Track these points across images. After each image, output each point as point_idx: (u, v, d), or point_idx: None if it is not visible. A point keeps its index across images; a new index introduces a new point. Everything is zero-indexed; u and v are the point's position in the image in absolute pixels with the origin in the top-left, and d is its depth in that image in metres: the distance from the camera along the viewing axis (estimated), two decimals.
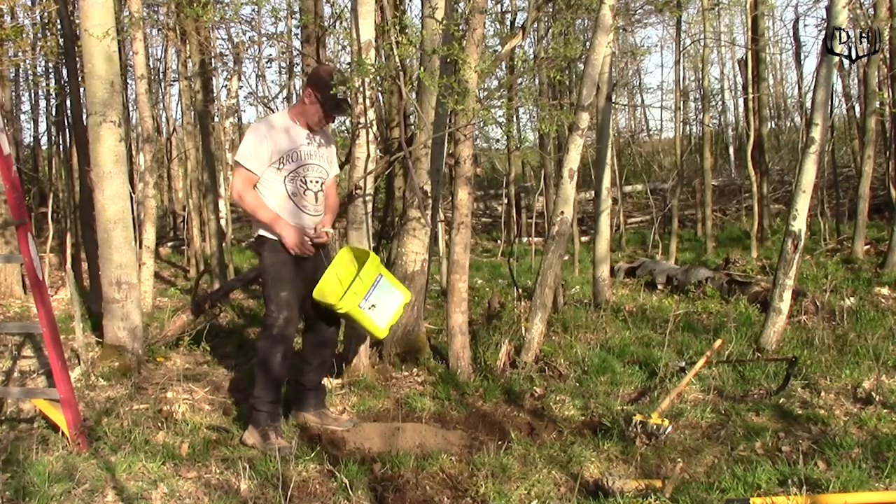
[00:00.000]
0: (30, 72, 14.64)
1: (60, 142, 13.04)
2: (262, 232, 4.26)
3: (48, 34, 11.35)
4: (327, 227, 4.41)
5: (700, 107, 17.83)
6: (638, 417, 4.12)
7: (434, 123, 5.54)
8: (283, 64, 14.93)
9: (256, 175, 4.19)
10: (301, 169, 4.26)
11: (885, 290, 7.87)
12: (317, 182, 4.34)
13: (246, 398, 4.52)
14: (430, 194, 5.61)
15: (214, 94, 12.60)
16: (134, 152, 11.02)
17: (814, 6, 26.86)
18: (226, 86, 14.17)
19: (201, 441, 4.12)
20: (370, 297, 4.24)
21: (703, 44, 12.74)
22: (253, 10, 9.05)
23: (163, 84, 16.01)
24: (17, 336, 5.63)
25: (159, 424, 4.33)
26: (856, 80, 14.54)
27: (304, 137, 4.30)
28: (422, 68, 5.30)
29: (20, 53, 11.64)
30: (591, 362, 5.47)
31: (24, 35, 10.22)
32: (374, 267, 4.30)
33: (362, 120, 5.14)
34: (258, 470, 3.68)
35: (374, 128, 5.33)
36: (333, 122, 4.53)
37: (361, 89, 5.09)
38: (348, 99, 4.36)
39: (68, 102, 9.36)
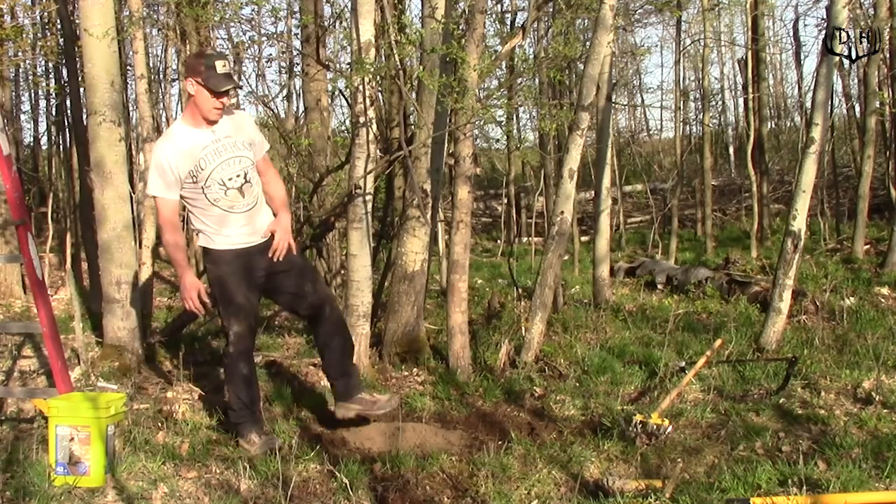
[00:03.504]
0: (30, 72, 14.64)
1: (60, 142, 13.04)
2: (201, 243, 4.15)
3: (48, 34, 11.35)
4: (278, 229, 4.10)
5: (700, 107, 17.82)
6: (638, 417, 4.12)
7: (434, 123, 5.54)
8: (283, 64, 14.92)
9: (175, 201, 4.00)
10: (215, 172, 3.97)
11: (885, 290, 7.87)
12: (238, 176, 4.03)
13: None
14: (429, 194, 5.61)
15: None
16: (134, 152, 11.01)
17: (814, 6, 26.83)
18: None
19: (201, 441, 4.12)
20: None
21: (703, 44, 12.73)
22: (253, 10, 9.03)
23: (163, 84, 16.01)
24: (18, 336, 5.63)
25: (159, 424, 4.32)
26: (856, 80, 14.55)
27: (204, 138, 3.99)
28: (421, 67, 5.30)
29: (20, 53, 11.63)
30: (591, 362, 5.47)
31: (24, 35, 10.22)
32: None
33: (362, 119, 5.14)
34: (258, 470, 3.68)
35: (374, 127, 5.33)
36: (229, 98, 4.07)
37: (361, 88, 5.09)
38: (231, 73, 3.98)
39: (68, 102, 9.35)
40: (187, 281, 3.99)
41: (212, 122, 4.00)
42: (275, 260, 4.09)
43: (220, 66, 3.91)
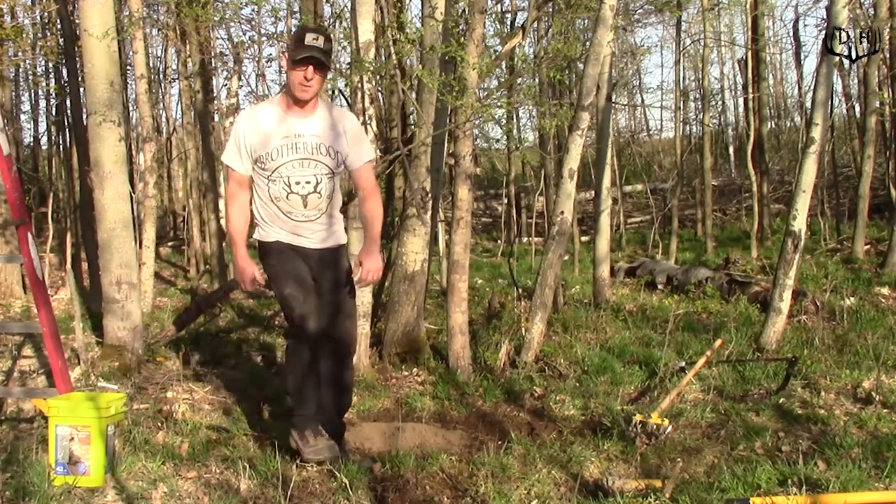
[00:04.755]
0: (30, 72, 14.65)
1: (60, 142, 13.05)
2: (256, 236, 3.89)
3: (48, 34, 11.36)
4: (368, 259, 3.74)
5: (700, 107, 17.83)
6: (638, 417, 4.11)
7: (434, 122, 5.54)
8: (283, 64, 14.93)
9: (243, 174, 3.74)
10: (283, 168, 3.68)
11: (885, 290, 7.87)
12: (308, 183, 3.71)
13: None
14: (429, 193, 5.61)
15: (214, 94, 12.61)
16: (134, 152, 11.02)
17: (814, 6, 26.87)
18: (226, 85, 14.18)
19: (201, 441, 4.11)
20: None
21: (703, 44, 12.74)
22: (253, 10, 9.04)
23: (163, 84, 16.02)
24: (18, 336, 5.63)
25: (159, 424, 4.32)
26: (856, 80, 14.56)
27: (287, 127, 3.68)
28: (421, 67, 5.30)
29: (20, 53, 11.64)
30: (591, 362, 5.47)
31: (24, 35, 10.22)
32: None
33: (362, 118, 5.14)
34: (258, 470, 3.68)
35: (374, 126, 5.33)
36: (318, 75, 3.64)
37: (361, 87, 5.09)
38: (320, 46, 3.58)
39: (68, 102, 9.36)
40: (241, 263, 3.74)
41: (302, 105, 3.67)
42: (338, 279, 3.85)
43: (310, 39, 3.60)
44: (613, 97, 9.18)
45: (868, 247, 10.60)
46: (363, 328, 5.32)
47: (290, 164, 3.69)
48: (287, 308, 3.81)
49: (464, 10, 5.92)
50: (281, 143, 3.67)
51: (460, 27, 5.65)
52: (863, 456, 3.69)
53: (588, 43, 6.14)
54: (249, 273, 3.73)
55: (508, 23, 10.53)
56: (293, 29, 12.07)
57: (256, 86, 22.68)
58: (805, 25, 59.51)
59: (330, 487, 3.57)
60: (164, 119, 16.62)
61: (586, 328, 6.52)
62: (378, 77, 5.37)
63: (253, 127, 3.69)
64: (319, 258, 3.84)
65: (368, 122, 5.16)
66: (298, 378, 3.84)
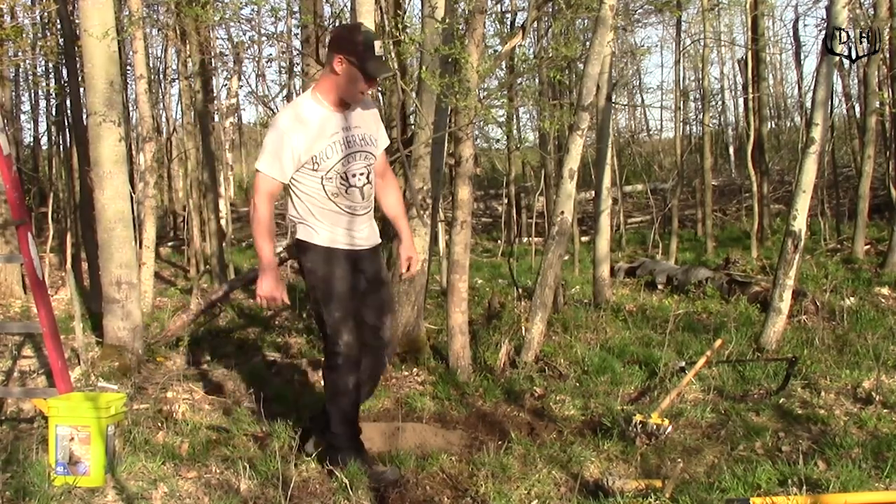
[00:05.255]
0: (30, 72, 14.65)
1: (60, 142, 13.05)
2: (301, 236, 3.66)
3: (48, 34, 11.36)
4: (407, 245, 3.83)
5: (700, 107, 17.83)
6: (638, 417, 4.11)
7: (434, 123, 5.54)
8: (283, 64, 14.92)
9: (280, 183, 3.58)
10: (340, 164, 3.59)
11: (885, 290, 7.87)
12: (363, 174, 3.65)
13: (318, 429, 3.91)
14: (430, 194, 5.61)
15: (214, 94, 12.62)
16: (134, 152, 11.02)
17: (814, 6, 26.85)
18: (226, 85, 14.20)
19: (201, 441, 4.12)
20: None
21: (703, 44, 12.73)
22: (252, 10, 9.04)
23: (163, 84, 16.02)
24: (17, 336, 5.63)
25: (159, 424, 4.32)
26: (856, 80, 14.55)
27: (335, 123, 3.60)
28: (423, 67, 5.30)
29: (20, 53, 11.64)
30: (591, 362, 5.47)
31: (24, 35, 10.22)
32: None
33: None
34: (258, 470, 3.68)
35: None
36: (374, 87, 3.80)
37: None
38: (386, 57, 3.61)
39: (68, 102, 9.36)
40: (272, 285, 3.55)
41: (346, 107, 3.62)
42: (381, 275, 3.81)
43: (378, 48, 3.52)
44: (613, 97, 9.18)
45: (868, 247, 10.59)
46: None
47: (346, 158, 3.61)
48: (334, 330, 3.63)
49: (464, 10, 5.92)
50: (332, 139, 3.58)
51: (460, 27, 5.64)
52: (863, 456, 3.70)
53: (588, 43, 6.14)
54: (278, 299, 3.59)
55: (508, 23, 10.53)
56: (293, 29, 12.10)
57: (256, 86, 22.71)
58: (805, 25, 59.54)
59: (330, 487, 3.57)
60: (164, 119, 16.61)
61: (586, 328, 6.52)
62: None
63: (300, 130, 3.54)
64: (369, 258, 3.78)
65: None
66: (349, 408, 3.72)
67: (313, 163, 3.55)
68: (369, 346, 3.78)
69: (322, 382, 5.17)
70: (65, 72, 9.91)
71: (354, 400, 3.72)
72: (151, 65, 14.78)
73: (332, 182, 3.60)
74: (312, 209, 3.63)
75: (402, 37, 5.43)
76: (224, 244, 10.54)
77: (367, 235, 3.77)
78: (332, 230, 3.65)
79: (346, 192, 3.63)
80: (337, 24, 9.00)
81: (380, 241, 3.90)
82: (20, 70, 14.72)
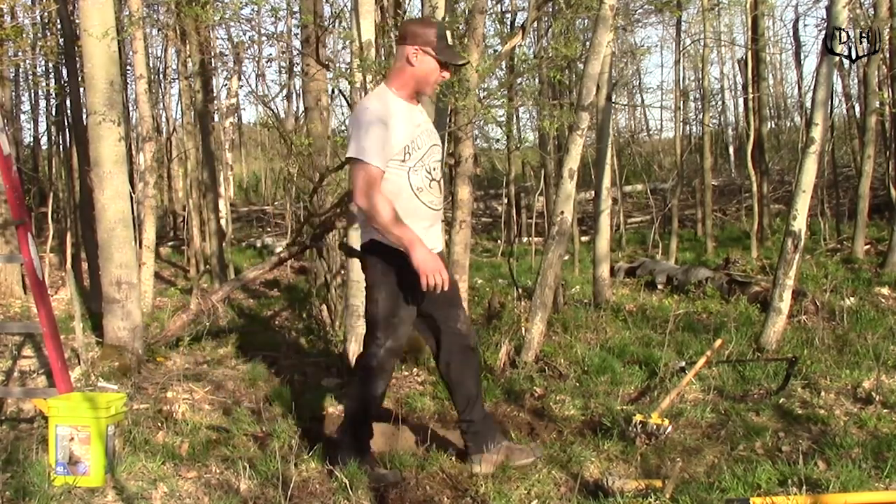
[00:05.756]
0: (30, 72, 14.66)
1: (60, 142, 13.06)
2: (377, 237, 3.52)
3: (48, 34, 11.37)
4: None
5: (700, 107, 17.84)
6: (638, 417, 4.11)
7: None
8: (283, 64, 14.93)
9: (383, 171, 3.44)
10: (426, 156, 3.55)
11: (885, 290, 7.86)
12: (437, 169, 3.63)
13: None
14: None
15: (214, 94, 12.62)
16: (134, 152, 11.03)
17: (814, 6, 26.89)
18: (226, 85, 14.20)
19: (201, 441, 4.12)
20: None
21: (703, 44, 12.74)
22: (253, 10, 9.05)
23: (163, 84, 16.03)
24: (17, 336, 5.63)
25: (159, 424, 4.32)
26: (856, 80, 14.56)
27: (417, 115, 3.60)
28: None
29: (20, 53, 11.65)
30: (591, 362, 5.47)
31: (24, 35, 10.23)
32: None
33: None
34: (258, 470, 3.68)
35: None
36: (449, 76, 3.79)
37: (363, 86, 5.08)
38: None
39: (68, 102, 9.37)
40: (430, 255, 3.40)
41: (418, 100, 3.63)
42: (452, 275, 3.69)
43: (449, 38, 3.58)
44: (613, 97, 9.18)
45: (868, 247, 10.59)
46: (363, 328, 5.32)
47: (429, 151, 3.59)
48: (384, 332, 3.58)
49: (464, 11, 5.92)
50: (417, 130, 3.56)
51: (460, 27, 5.65)
52: (863, 456, 3.69)
53: (588, 43, 6.14)
54: (445, 274, 3.41)
55: (508, 23, 10.54)
56: (293, 29, 12.10)
57: (256, 86, 22.71)
58: (805, 25, 59.56)
59: (330, 487, 3.57)
60: (164, 119, 16.63)
61: (586, 328, 6.52)
62: (381, 76, 5.36)
63: (391, 119, 3.48)
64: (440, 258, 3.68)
65: None
66: (368, 407, 3.71)
67: (404, 153, 3.49)
68: (455, 345, 3.75)
69: (322, 382, 5.19)
70: (65, 72, 9.92)
71: (373, 405, 3.70)
72: (151, 65, 14.79)
73: (418, 175, 3.53)
74: (399, 207, 3.48)
75: None
76: (224, 244, 10.54)
77: (439, 237, 3.72)
78: (414, 227, 3.52)
79: (429, 185, 3.57)
80: (337, 24, 9.00)
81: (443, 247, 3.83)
82: (20, 70, 14.75)
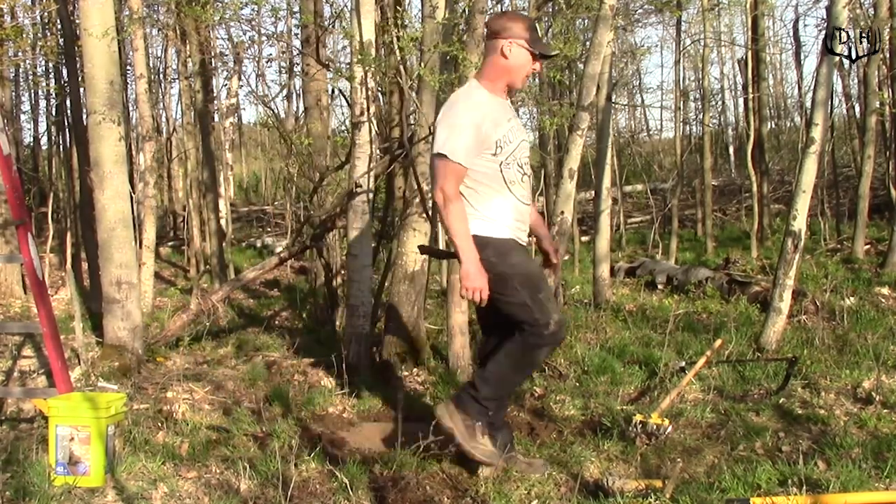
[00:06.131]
0: (30, 72, 14.67)
1: (60, 142, 13.06)
2: (479, 231, 3.47)
3: (48, 34, 11.38)
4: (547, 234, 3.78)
5: (700, 107, 17.84)
6: (638, 417, 4.11)
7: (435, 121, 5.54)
8: (283, 64, 14.93)
9: (465, 168, 3.42)
10: (517, 150, 3.54)
11: (885, 290, 7.86)
12: (528, 163, 3.62)
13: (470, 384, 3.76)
14: (430, 193, 5.61)
15: (214, 94, 12.62)
16: (134, 152, 11.03)
17: (814, 6, 26.89)
18: (226, 85, 14.20)
19: (201, 441, 4.12)
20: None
21: (703, 44, 12.73)
22: (253, 10, 9.04)
23: (163, 84, 16.03)
24: (17, 336, 5.63)
25: (159, 424, 4.32)
26: (856, 80, 14.56)
27: (507, 109, 3.59)
28: (423, 65, 5.29)
29: (20, 53, 11.66)
30: (591, 362, 5.47)
31: (24, 35, 10.23)
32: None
33: (363, 117, 5.14)
34: (258, 470, 3.68)
35: (374, 126, 5.33)
36: (541, 68, 3.79)
37: (363, 82, 5.08)
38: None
39: (68, 102, 9.37)
40: (480, 272, 3.37)
41: (508, 94, 3.64)
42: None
43: (539, 30, 3.67)
44: (613, 97, 9.18)
45: (868, 247, 10.59)
46: (363, 328, 5.32)
47: (520, 146, 3.58)
48: (542, 312, 3.50)
49: (464, 10, 5.92)
50: (510, 125, 3.54)
51: (460, 27, 5.65)
52: (863, 456, 3.69)
53: (588, 43, 6.14)
54: (486, 294, 3.40)
55: None
56: (293, 29, 12.11)
57: (256, 86, 22.70)
58: (805, 25, 59.56)
59: (330, 487, 3.57)
60: (164, 119, 16.63)
61: (586, 328, 6.52)
62: (379, 76, 5.37)
63: (482, 113, 3.47)
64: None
65: (370, 120, 5.16)
66: (520, 377, 3.72)
67: (496, 147, 3.48)
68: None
69: (322, 382, 5.19)
70: (65, 72, 9.92)
71: (528, 371, 3.73)
72: (151, 65, 14.79)
73: (511, 169, 3.52)
74: (489, 200, 3.49)
75: (403, 34, 5.43)
76: (224, 244, 10.54)
77: (526, 231, 3.70)
78: (507, 223, 3.54)
79: (521, 179, 3.57)
80: (337, 24, 9.00)
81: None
82: (20, 70, 14.75)
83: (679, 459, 3.70)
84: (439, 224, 6.75)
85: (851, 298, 7.20)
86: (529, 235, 3.77)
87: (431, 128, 5.50)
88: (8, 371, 5.28)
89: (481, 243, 3.45)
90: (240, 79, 13.11)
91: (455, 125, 3.43)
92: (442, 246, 8.98)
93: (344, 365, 5.29)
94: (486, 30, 3.60)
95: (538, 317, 3.48)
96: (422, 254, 4.11)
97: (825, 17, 9.92)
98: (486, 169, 3.47)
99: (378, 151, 5.64)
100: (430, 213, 5.62)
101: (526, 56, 3.53)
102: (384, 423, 4.49)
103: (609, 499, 3.34)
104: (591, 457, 3.87)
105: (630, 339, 6.24)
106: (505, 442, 3.71)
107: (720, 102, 21.16)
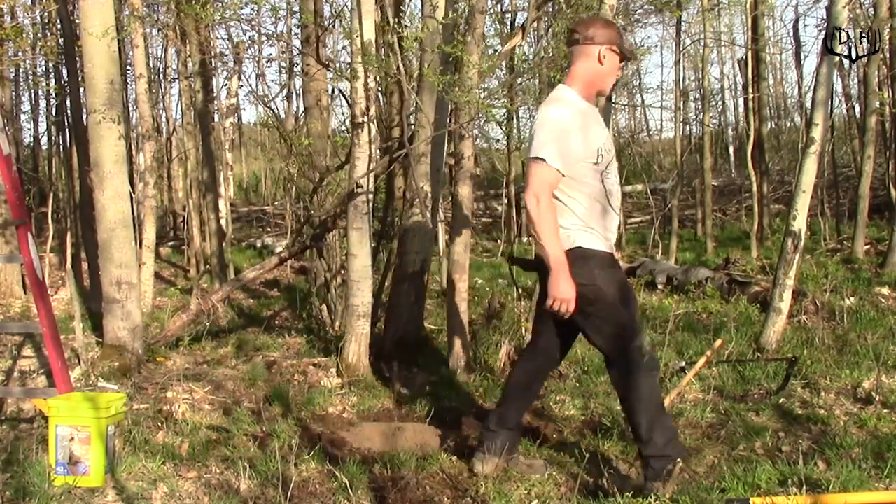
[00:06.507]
0: (30, 72, 14.67)
1: (60, 142, 13.06)
2: (583, 243, 3.37)
3: (48, 34, 11.38)
4: None
5: (700, 107, 17.83)
6: None
7: (434, 122, 5.54)
8: (283, 64, 14.93)
9: (560, 175, 3.33)
10: (613, 160, 3.49)
11: (885, 290, 7.86)
12: (617, 174, 3.57)
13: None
14: (430, 194, 5.61)
15: (214, 94, 12.62)
16: (134, 152, 11.03)
17: (814, 6, 26.91)
18: (226, 85, 14.20)
19: (201, 441, 4.12)
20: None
21: (703, 44, 12.73)
22: (253, 10, 9.05)
23: (163, 84, 16.03)
24: (17, 336, 5.63)
25: (159, 424, 4.33)
26: (856, 80, 14.56)
27: (600, 116, 3.53)
28: (426, 65, 5.29)
29: (20, 53, 11.66)
30: (591, 362, 5.47)
31: (24, 35, 10.23)
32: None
33: (363, 118, 5.14)
34: (258, 470, 3.68)
35: (374, 126, 5.33)
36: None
37: (364, 83, 5.08)
38: None
39: (68, 102, 9.37)
40: (569, 284, 3.26)
41: (596, 101, 3.60)
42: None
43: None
44: (613, 97, 9.17)
45: (868, 247, 10.58)
46: (363, 328, 5.32)
47: (614, 154, 3.54)
48: (634, 330, 3.44)
49: (464, 10, 5.92)
50: (605, 133, 3.50)
51: (461, 27, 5.65)
52: (863, 456, 3.69)
53: None
54: (573, 306, 3.29)
55: (508, 23, 10.54)
56: (293, 29, 12.11)
57: (256, 86, 22.70)
58: (805, 25, 59.58)
59: (330, 487, 3.57)
60: (164, 119, 16.63)
61: None
62: (381, 75, 5.37)
63: (582, 120, 3.40)
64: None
65: (370, 121, 5.16)
66: (665, 417, 3.50)
67: (598, 155, 3.40)
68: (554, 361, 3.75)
69: (322, 382, 5.19)
70: (65, 72, 9.92)
71: (662, 405, 3.52)
72: (151, 65, 14.79)
73: (610, 178, 3.46)
74: (593, 211, 3.41)
75: (406, 33, 5.43)
76: (224, 244, 10.54)
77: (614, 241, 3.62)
78: (605, 234, 3.45)
79: (615, 190, 3.50)
80: (337, 23, 9.00)
81: None
82: (20, 70, 14.75)
83: (679, 459, 3.69)
84: (439, 224, 6.75)
85: (851, 298, 7.20)
86: None
87: (432, 128, 5.51)
88: (8, 371, 5.27)
89: (585, 255, 3.35)
90: (240, 79, 13.11)
91: (555, 130, 3.33)
92: (441, 244, 9.00)
93: (344, 365, 5.29)
94: (574, 35, 3.50)
95: (628, 337, 3.39)
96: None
97: (825, 17, 9.92)
98: (590, 178, 3.39)
99: (378, 151, 5.64)
100: (430, 213, 5.62)
101: (617, 61, 3.49)
102: (384, 423, 4.49)
103: (609, 499, 3.34)
104: (591, 457, 3.87)
105: None
106: (508, 444, 3.70)
107: (720, 102, 21.18)
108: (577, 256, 3.33)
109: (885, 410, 4.38)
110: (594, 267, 3.36)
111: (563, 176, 3.32)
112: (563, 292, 3.26)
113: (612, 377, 3.57)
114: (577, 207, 3.38)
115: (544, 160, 3.30)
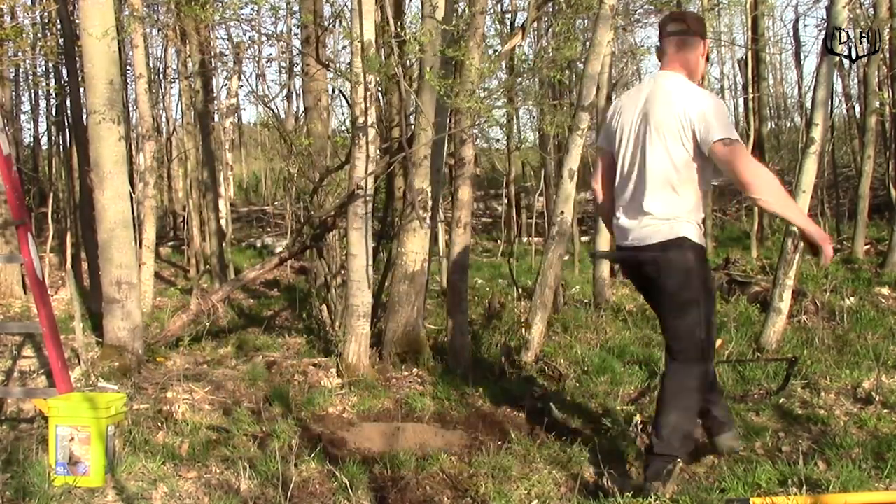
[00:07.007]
0: (30, 72, 14.66)
1: (60, 142, 13.06)
2: (686, 233, 3.44)
3: (48, 34, 11.37)
4: None
5: None
6: (638, 417, 4.11)
7: (434, 123, 5.54)
8: (283, 64, 14.93)
9: None
10: None
11: (885, 290, 7.86)
12: None
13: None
14: (430, 194, 5.61)
15: (214, 94, 12.63)
16: (134, 152, 11.04)
17: (814, 6, 26.90)
18: (226, 85, 14.21)
19: (201, 441, 4.12)
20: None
21: None
22: (253, 10, 9.05)
23: (163, 84, 16.03)
24: (17, 336, 5.63)
25: (159, 424, 4.33)
26: (856, 80, 14.56)
27: None
28: (428, 68, 5.29)
29: (20, 53, 11.65)
30: (591, 362, 5.47)
31: (24, 35, 10.23)
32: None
33: (363, 119, 5.14)
34: (258, 470, 3.68)
35: (374, 127, 5.33)
36: None
37: (365, 85, 5.08)
38: None
39: (68, 102, 9.37)
40: (829, 239, 3.30)
41: None
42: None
43: None
44: (613, 97, 9.18)
45: (868, 247, 10.59)
46: (363, 328, 5.32)
47: None
48: (710, 327, 3.47)
49: (464, 11, 5.92)
50: None
51: (461, 27, 5.65)
52: (863, 456, 3.69)
53: (588, 43, 6.14)
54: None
55: (508, 23, 10.53)
56: (293, 29, 12.11)
57: (256, 86, 22.70)
58: (805, 25, 59.57)
59: (330, 487, 3.57)
60: (164, 119, 16.63)
61: (586, 328, 6.52)
62: (382, 76, 5.37)
63: None
64: None
65: (370, 123, 5.16)
66: (695, 416, 3.53)
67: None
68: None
69: (322, 382, 5.19)
70: (65, 72, 9.92)
71: (694, 413, 3.54)
72: (151, 65, 14.78)
73: (710, 166, 3.47)
74: (698, 202, 3.48)
75: (409, 36, 5.43)
76: (224, 244, 10.54)
77: None
78: (700, 222, 3.51)
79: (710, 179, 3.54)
80: (337, 24, 9.00)
81: None
82: (20, 70, 14.74)
83: (679, 459, 3.69)
84: (439, 224, 6.75)
85: (851, 298, 7.20)
86: None
87: (433, 129, 5.50)
88: (8, 371, 5.27)
89: (685, 246, 3.42)
90: (240, 79, 13.12)
91: (724, 114, 3.34)
92: (441, 244, 8.99)
93: (344, 365, 5.29)
94: (683, 26, 3.53)
95: (702, 335, 3.42)
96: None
97: (825, 17, 9.92)
98: (701, 164, 3.41)
99: (378, 151, 5.64)
100: (430, 213, 5.62)
101: (703, 61, 3.58)
102: (384, 423, 4.49)
103: (609, 499, 3.34)
104: (591, 457, 3.87)
105: (630, 340, 6.24)
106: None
107: None
108: (679, 245, 3.41)
109: (885, 410, 4.38)
110: (690, 259, 3.43)
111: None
112: (823, 238, 3.29)
113: (666, 372, 3.54)
114: (688, 196, 3.44)
115: (734, 140, 3.29)
